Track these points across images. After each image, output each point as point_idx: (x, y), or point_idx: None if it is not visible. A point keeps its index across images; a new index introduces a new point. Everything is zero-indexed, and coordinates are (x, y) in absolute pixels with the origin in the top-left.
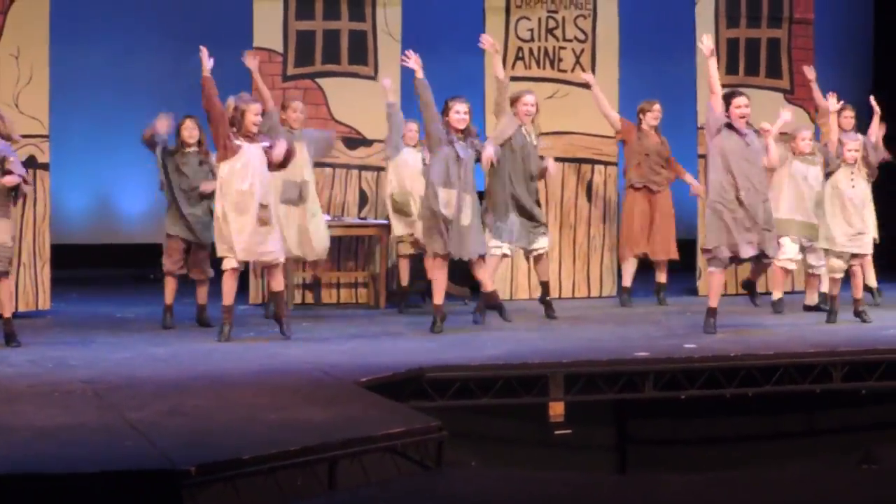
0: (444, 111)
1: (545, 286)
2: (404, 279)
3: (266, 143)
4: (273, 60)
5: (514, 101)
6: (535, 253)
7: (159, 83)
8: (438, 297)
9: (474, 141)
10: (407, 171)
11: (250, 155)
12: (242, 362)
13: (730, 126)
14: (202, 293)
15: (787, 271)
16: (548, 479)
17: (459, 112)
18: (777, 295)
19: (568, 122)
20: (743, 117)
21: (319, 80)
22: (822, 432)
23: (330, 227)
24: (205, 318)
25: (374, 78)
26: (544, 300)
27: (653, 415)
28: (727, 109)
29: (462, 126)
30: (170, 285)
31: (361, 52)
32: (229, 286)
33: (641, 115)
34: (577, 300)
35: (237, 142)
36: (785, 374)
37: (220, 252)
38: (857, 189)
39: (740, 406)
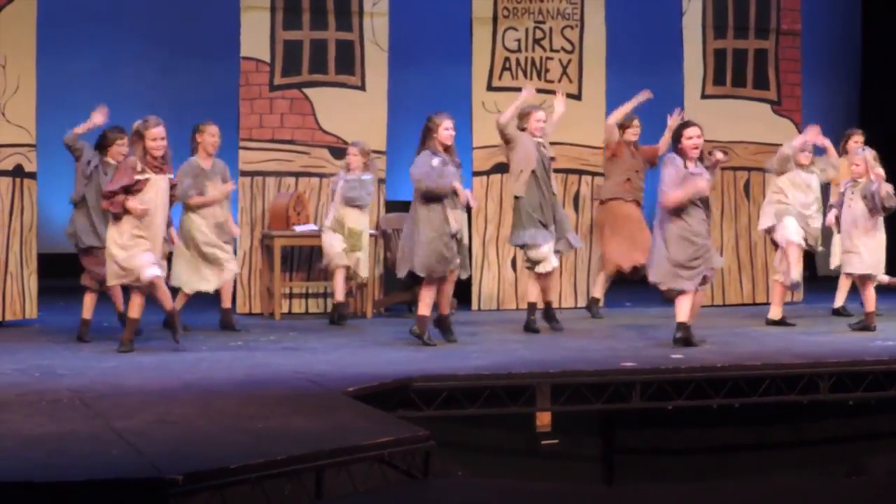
0: (433, 129)
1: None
2: (340, 294)
3: (172, 176)
4: (260, 70)
5: (524, 116)
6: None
7: (146, 92)
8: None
9: (454, 158)
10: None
11: (157, 188)
12: (230, 371)
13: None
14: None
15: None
16: (535, 490)
17: (448, 129)
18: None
19: (554, 132)
20: (696, 148)
21: (306, 90)
22: (810, 443)
23: (316, 237)
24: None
25: (361, 88)
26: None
27: (640, 425)
28: (679, 142)
29: (450, 142)
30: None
31: (348, 62)
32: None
33: (621, 132)
34: (564, 310)
35: (143, 176)
36: (772, 384)
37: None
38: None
39: (727, 417)
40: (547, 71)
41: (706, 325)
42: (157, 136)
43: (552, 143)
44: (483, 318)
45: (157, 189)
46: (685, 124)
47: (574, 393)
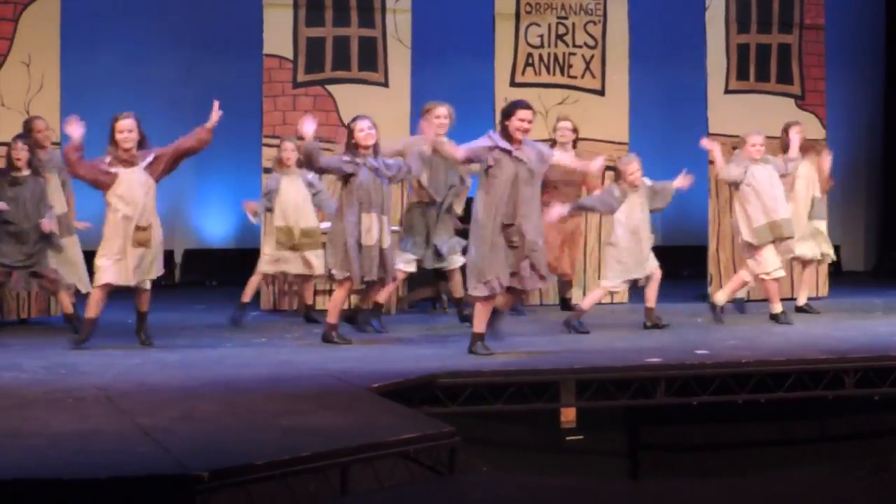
0: (349, 133)
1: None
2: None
3: (148, 160)
4: (283, 67)
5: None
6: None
7: (170, 89)
8: (334, 317)
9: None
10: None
11: (129, 182)
12: (254, 368)
13: (501, 149)
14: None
15: (776, 280)
16: (560, 485)
17: (364, 129)
18: (776, 308)
19: (578, 128)
20: (525, 132)
21: (329, 87)
22: (835, 439)
23: None
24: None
25: (384, 84)
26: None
27: (665, 421)
28: (508, 120)
29: (371, 142)
30: None
31: (371, 59)
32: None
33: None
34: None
35: (112, 170)
36: (797, 380)
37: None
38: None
39: (752, 412)
40: (570, 66)
41: (731, 321)
42: (123, 128)
43: (576, 139)
44: (507, 315)
45: (129, 183)
46: (519, 104)
47: (599, 389)
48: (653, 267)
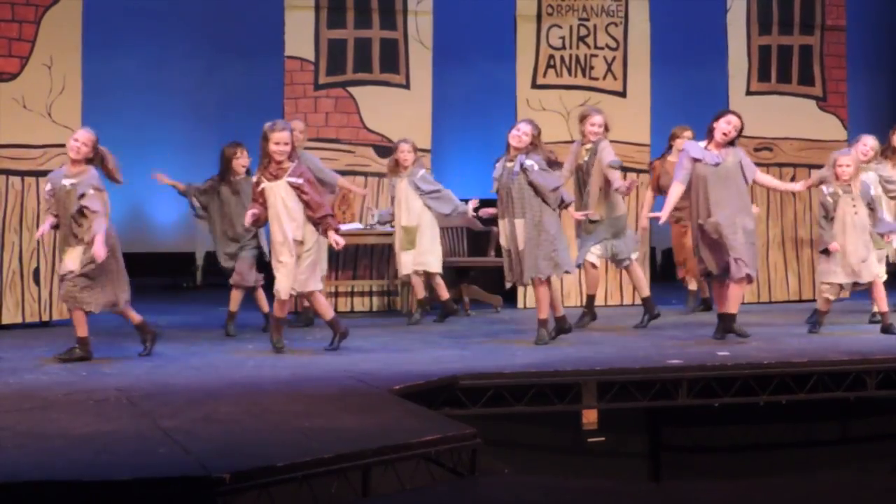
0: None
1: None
2: (420, 292)
3: (294, 178)
4: (305, 69)
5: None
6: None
7: (192, 92)
8: (543, 312)
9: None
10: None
11: (274, 195)
12: (276, 370)
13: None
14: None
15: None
16: (581, 487)
17: (520, 129)
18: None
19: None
20: (726, 134)
21: (351, 89)
22: (857, 440)
23: (362, 235)
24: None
25: (405, 86)
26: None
27: (686, 422)
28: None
29: (520, 144)
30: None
31: (393, 61)
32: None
33: (673, 142)
34: (610, 308)
35: (261, 185)
36: (819, 381)
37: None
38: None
39: (774, 414)
40: (591, 68)
41: (754, 323)
42: (279, 139)
43: None
44: (529, 316)
45: (274, 195)
46: (724, 112)
47: (620, 390)
48: None
